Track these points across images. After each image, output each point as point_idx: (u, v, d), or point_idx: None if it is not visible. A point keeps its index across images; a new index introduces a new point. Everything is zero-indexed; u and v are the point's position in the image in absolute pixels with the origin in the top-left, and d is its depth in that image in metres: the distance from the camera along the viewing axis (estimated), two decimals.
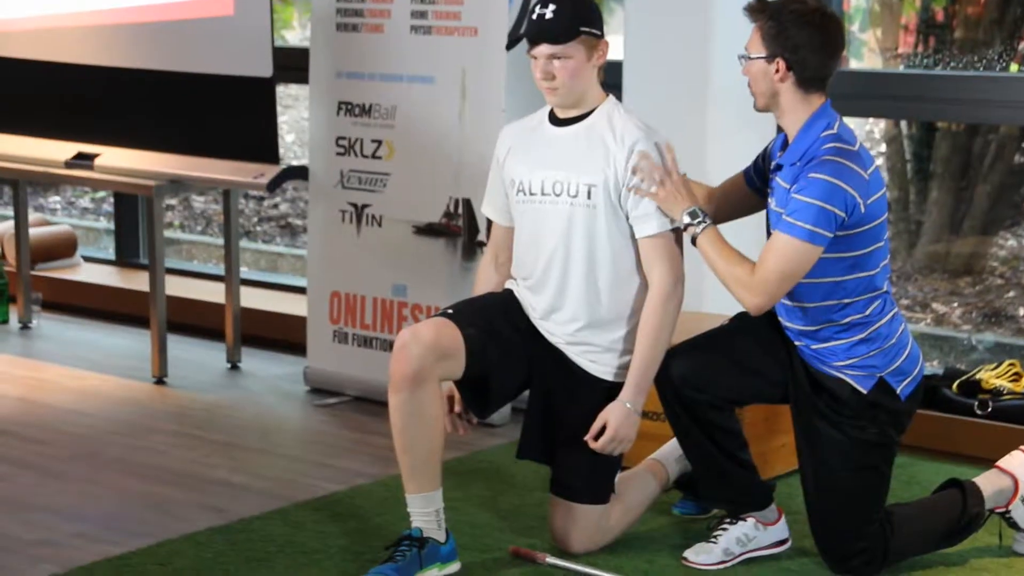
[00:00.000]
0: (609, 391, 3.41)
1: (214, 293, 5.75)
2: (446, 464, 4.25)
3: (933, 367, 5.31)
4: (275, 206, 8.35)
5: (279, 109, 5.36)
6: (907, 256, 6.66)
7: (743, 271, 3.25)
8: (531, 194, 3.45)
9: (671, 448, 3.70)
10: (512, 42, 3.47)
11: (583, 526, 3.46)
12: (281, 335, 5.65)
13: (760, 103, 3.36)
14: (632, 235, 3.39)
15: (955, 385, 4.46)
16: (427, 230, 4.88)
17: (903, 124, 6.63)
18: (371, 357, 5.03)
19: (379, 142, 4.99)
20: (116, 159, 5.46)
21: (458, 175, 4.78)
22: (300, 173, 5.27)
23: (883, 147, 6.99)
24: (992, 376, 4.45)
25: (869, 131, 7.17)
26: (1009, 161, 6.51)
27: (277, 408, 4.98)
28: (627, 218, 3.37)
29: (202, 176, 5.31)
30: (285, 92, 8.23)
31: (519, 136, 3.55)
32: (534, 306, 3.47)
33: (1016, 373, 4.46)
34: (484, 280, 3.66)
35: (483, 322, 3.39)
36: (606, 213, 3.37)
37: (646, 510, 3.63)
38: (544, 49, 3.33)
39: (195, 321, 5.83)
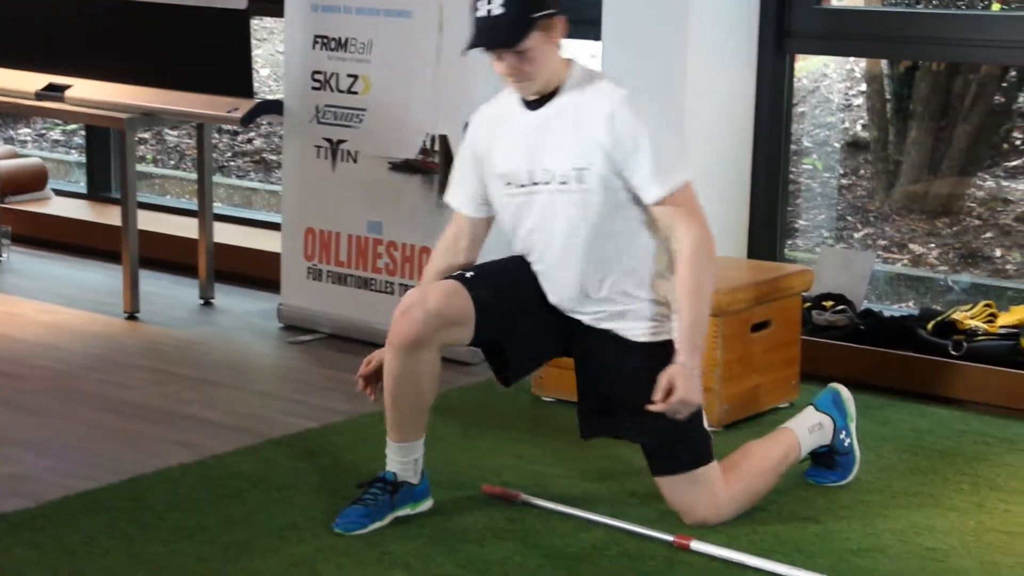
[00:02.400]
0: (657, 351, 3.26)
1: (187, 228, 5.70)
2: None
3: (909, 308, 5.31)
4: (249, 141, 8.29)
5: (254, 42, 5.30)
6: (885, 196, 6.65)
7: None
8: (521, 186, 3.29)
9: (805, 417, 3.55)
10: (470, 48, 3.24)
11: (695, 493, 3.28)
12: (255, 271, 5.61)
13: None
14: (637, 201, 3.23)
15: (930, 326, 4.46)
16: (403, 167, 4.84)
17: (884, 63, 6.60)
18: (346, 294, 5.01)
19: (355, 77, 4.93)
20: (88, 91, 5.39)
21: (435, 111, 4.74)
22: (275, 108, 5.22)
23: (863, 86, 6.96)
24: (967, 317, 4.45)
25: (850, 70, 7.13)
26: (989, 101, 6.48)
27: (250, 345, 4.96)
28: (628, 187, 3.21)
29: (175, 109, 5.25)
30: (260, 25, 8.14)
31: (493, 126, 3.37)
32: (553, 291, 3.32)
33: (992, 314, 4.46)
34: (439, 262, 3.45)
35: (502, 285, 3.27)
36: (602, 192, 3.21)
37: (776, 479, 3.44)
38: (505, 52, 3.17)
39: (168, 256, 5.79)
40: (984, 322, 4.42)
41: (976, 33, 4.64)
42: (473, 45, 3.20)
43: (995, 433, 4.04)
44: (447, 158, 4.73)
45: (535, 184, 3.26)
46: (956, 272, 6.12)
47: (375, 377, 3.37)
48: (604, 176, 3.20)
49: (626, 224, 3.25)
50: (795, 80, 5.06)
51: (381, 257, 4.91)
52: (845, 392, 3.63)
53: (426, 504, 3.37)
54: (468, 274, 3.29)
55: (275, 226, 5.57)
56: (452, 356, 4.71)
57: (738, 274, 4.21)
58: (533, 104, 3.28)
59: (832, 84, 7.21)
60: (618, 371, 3.29)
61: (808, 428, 3.52)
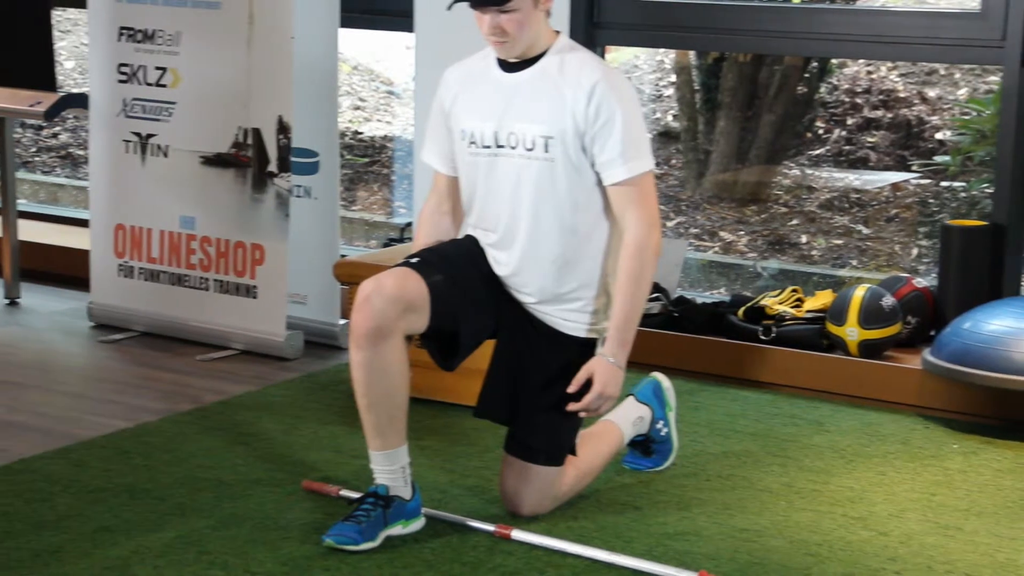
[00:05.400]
0: (579, 347, 3.25)
1: None
2: (237, 399, 4.19)
3: (721, 294, 5.43)
4: (55, 135, 8.07)
5: (57, 34, 5.16)
6: (696, 185, 6.79)
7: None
8: (484, 146, 3.21)
9: (627, 410, 3.58)
10: (455, 3, 3.16)
11: (537, 488, 3.28)
12: (63, 269, 5.48)
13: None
14: (598, 181, 3.17)
15: (741, 312, 4.57)
16: (215, 160, 4.77)
17: (692, 54, 6.73)
18: (158, 291, 4.91)
19: (163, 69, 4.84)
20: None
21: (247, 104, 4.67)
22: (80, 101, 5.09)
23: (673, 77, 7.09)
24: (775, 302, 4.57)
25: (660, 61, 7.25)
26: (792, 91, 6.67)
27: (60, 345, 4.82)
28: (592, 164, 3.17)
29: None
30: (63, 16, 7.93)
31: (466, 81, 3.30)
32: (499, 262, 3.27)
33: (799, 299, 4.58)
34: (428, 228, 3.38)
35: (450, 269, 3.20)
36: (565, 166, 3.15)
37: (599, 473, 3.49)
38: (490, 9, 3.11)
39: None
40: (792, 307, 4.54)
41: (779, 25, 4.77)
42: None
43: (804, 415, 4.15)
44: (260, 152, 4.67)
45: (500, 147, 3.20)
46: (765, 259, 6.28)
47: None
48: (570, 149, 3.15)
49: (587, 205, 3.19)
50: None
51: (195, 253, 4.83)
52: (666, 382, 3.69)
53: (417, 523, 3.22)
54: (414, 259, 3.19)
55: (83, 223, 5.43)
56: (270, 352, 4.66)
57: None
58: (511, 67, 3.21)
59: (643, 75, 7.33)
60: (536, 360, 3.25)
61: (631, 422, 3.57)
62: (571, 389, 3.16)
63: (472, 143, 3.24)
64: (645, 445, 3.64)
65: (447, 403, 4.10)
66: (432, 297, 3.13)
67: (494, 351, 3.33)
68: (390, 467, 3.18)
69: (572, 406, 3.17)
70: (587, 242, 3.22)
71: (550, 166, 3.16)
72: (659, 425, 3.63)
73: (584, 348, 3.25)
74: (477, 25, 3.17)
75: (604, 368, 3.14)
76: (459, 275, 3.22)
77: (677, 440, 3.69)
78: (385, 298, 3.06)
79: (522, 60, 3.20)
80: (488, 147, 3.22)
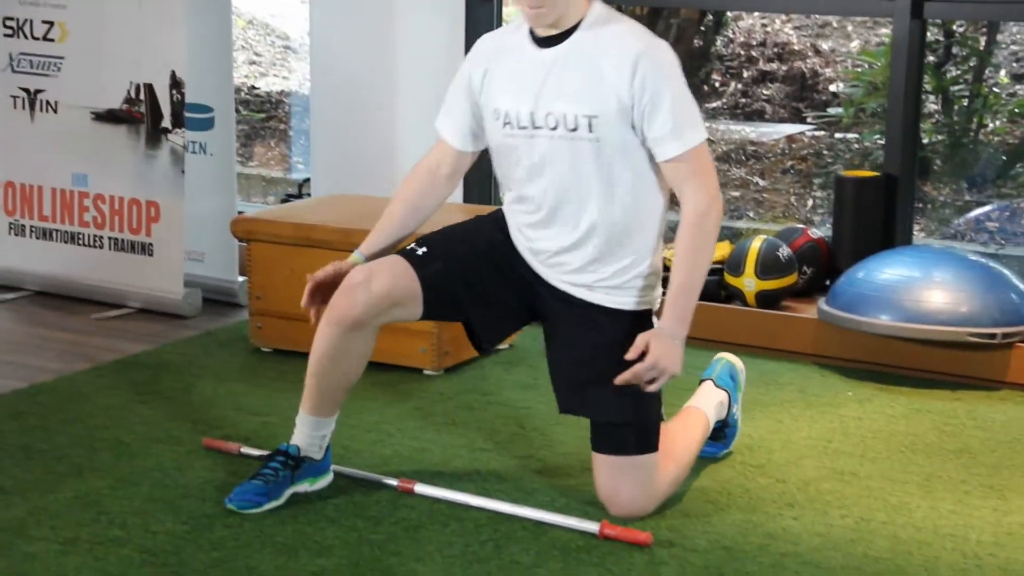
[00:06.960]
0: (636, 320, 3.08)
1: None
2: (134, 358, 4.15)
3: None
4: None
5: None
6: None
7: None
8: (521, 127, 3.03)
9: (708, 395, 3.42)
10: None
11: (637, 480, 3.08)
12: None
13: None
14: (651, 157, 3.00)
15: None
16: (107, 117, 4.69)
17: None
18: (52, 249, 4.83)
19: (51, 23, 4.74)
20: None
21: (139, 59, 4.60)
22: None
23: None
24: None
25: None
26: (689, 44, 6.71)
27: None
28: (643, 142, 2.98)
29: None
30: None
31: (498, 57, 3.08)
32: (539, 244, 3.12)
33: None
34: (418, 183, 3.22)
35: (457, 259, 3.11)
36: (613, 144, 2.98)
37: (693, 464, 3.29)
38: None
39: None
40: None
41: None
42: None
43: (702, 365, 4.16)
44: (153, 108, 4.60)
45: (537, 128, 3.03)
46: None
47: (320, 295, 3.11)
48: (616, 126, 2.98)
49: (638, 181, 3.03)
50: (504, 24, 5.12)
51: (88, 210, 4.75)
52: (739, 364, 3.57)
53: (325, 480, 3.21)
54: (420, 250, 3.10)
55: None
56: (167, 310, 4.61)
57: (454, 217, 4.22)
58: (545, 41, 3.04)
59: None
60: (587, 339, 3.10)
61: (714, 407, 3.43)
62: (629, 356, 2.96)
63: (507, 123, 3.07)
64: (719, 430, 3.48)
65: None
66: (425, 291, 3.07)
67: (547, 344, 3.20)
68: (313, 433, 3.17)
69: (621, 377, 2.97)
70: (638, 218, 3.07)
71: (596, 146, 3.00)
72: (734, 409, 3.50)
73: (640, 319, 3.11)
74: None
75: (661, 339, 2.97)
76: (467, 264, 3.13)
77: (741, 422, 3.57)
78: (372, 294, 3.02)
79: (556, 34, 3.03)
80: (524, 128, 3.05)
